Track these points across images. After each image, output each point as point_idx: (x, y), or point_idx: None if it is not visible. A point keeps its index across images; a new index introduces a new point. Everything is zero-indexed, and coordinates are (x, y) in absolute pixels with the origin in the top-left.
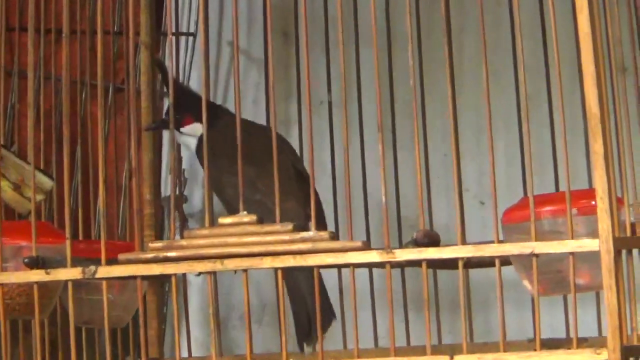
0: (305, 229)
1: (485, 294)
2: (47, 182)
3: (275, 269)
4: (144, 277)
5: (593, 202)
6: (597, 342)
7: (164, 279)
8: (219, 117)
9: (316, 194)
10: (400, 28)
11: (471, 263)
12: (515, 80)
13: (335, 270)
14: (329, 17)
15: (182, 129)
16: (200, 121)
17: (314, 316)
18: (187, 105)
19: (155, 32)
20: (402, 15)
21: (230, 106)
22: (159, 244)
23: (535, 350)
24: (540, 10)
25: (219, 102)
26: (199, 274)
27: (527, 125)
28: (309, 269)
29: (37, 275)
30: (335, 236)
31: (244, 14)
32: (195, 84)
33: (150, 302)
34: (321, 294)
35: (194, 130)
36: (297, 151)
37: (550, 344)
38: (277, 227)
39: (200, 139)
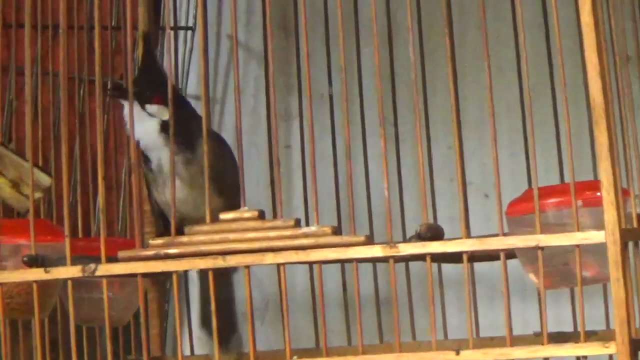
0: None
1: (491, 288)
2: (45, 180)
3: (278, 265)
4: (144, 275)
5: (598, 194)
6: (605, 336)
7: (165, 276)
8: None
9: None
10: (401, 20)
11: (476, 256)
12: (518, 71)
13: (338, 265)
14: (328, 9)
15: (147, 107)
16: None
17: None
18: (159, 85)
19: (153, 26)
20: (403, 7)
21: (230, 100)
22: (159, 241)
23: (542, 344)
24: (542, 0)
25: (218, 96)
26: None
27: (530, 116)
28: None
29: (36, 274)
30: (338, 231)
31: (243, 7)
32: (194, 78)
33: (152, 300)
34: (228, 304)
35: (159, 113)
36: (299, 143)
37: (558, 338)
38: (278, 222)
39: (162, 126)
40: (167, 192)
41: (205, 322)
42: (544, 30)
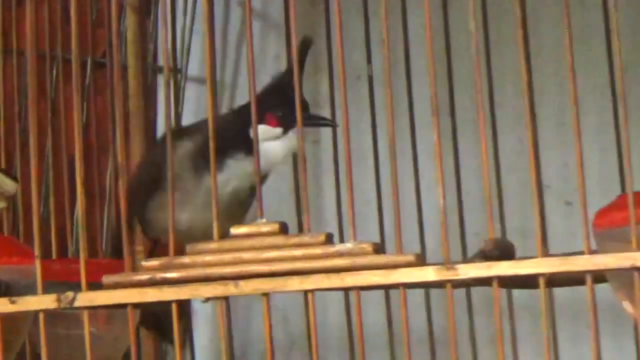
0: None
1: (575, 319)
2: (9, 185)
3: (305, 292)
4: (136, 305)
5: None
6: None
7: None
8: None
9: None
10: None
11: (555, 280)
12: (608, 45)
13: (381, 293)
14: None
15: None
16: (283, 126)
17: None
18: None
19: None
20: None
21: (243, 83)
22: (154, 262)
23: None
24: None
25: (227, 79)
26: (207, 299)
27: (623, 103)
28: None
29: None
30: (380, 249)
31: None
32: (197, 55)
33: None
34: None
35: (271, 134)
36: (330, 138)
37: None
38: (305, 238)
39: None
40: (198, 215)
41: None
42: None
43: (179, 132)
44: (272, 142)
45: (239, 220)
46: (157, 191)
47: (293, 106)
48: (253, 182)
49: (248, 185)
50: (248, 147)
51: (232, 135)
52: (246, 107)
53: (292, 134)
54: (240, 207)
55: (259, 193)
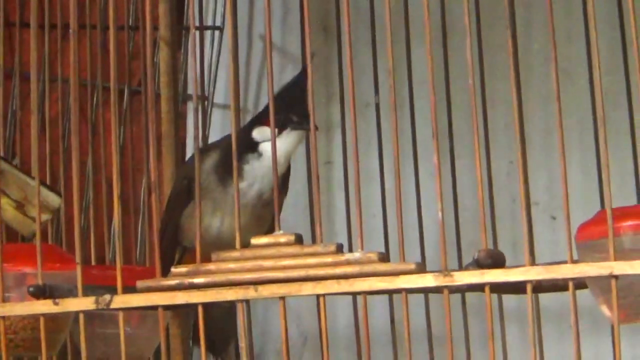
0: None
1: (558, 322)
2: (53, 200)
3: (317, 296)
4: (166, 307)
5: None
6: None
7: (189, 308)
8: None
9: None
10: (457, 19)
11: (541, 286)
12: (590, 76)
13: (385, 297)
14: (375, 6)
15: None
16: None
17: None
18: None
19: (176, 26)
20: (459, 4)
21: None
22: (183, 269)
23: None
24: None
25: (250, 106)
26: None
27: (603, 128)
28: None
29: (43, 306)
30: (385, 258)
31: (278, 3)
32: (222, 83)
33: (174, 336)
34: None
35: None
36: (341, 159)
37: None
38: (318, 248)
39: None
40: (228, 220)
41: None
42: (620, 29)
43: (204, 150)
44: (268, 143)
45: (268, 220)
46: (190, 202)
47: (287, 111)
48: (271, 183)
49: (268, 187)
50: (254, 149)
51: (243, 144)
52: (253, 120)
53: (285, 136)
54: (266, 207)
55: (276, 208)
